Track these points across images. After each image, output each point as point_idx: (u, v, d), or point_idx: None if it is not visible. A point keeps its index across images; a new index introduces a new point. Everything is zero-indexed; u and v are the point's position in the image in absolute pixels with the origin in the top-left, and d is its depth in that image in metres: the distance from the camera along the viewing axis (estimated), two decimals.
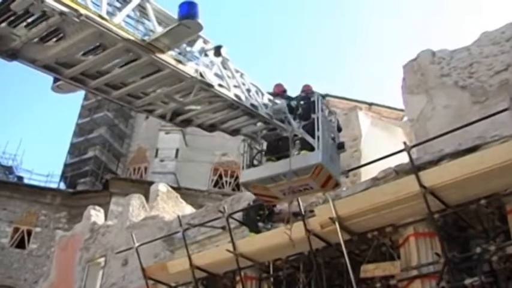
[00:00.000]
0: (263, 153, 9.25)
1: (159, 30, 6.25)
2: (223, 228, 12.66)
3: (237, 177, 35.18)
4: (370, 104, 28.57)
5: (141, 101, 7.22)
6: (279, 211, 11.86)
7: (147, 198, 20.36)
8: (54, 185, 37.24)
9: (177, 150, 34.25)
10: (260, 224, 11.73)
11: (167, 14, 6.57)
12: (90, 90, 6.83)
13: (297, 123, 8.75)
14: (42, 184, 36.77)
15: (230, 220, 11.53)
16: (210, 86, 6.99)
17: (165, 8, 6.57)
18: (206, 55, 7.15)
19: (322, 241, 9.95)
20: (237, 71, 7.74)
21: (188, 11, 6.01)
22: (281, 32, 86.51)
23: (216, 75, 7.26)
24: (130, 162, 38.55)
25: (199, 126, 8.16)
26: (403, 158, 9.49)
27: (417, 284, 9.02)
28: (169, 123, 8.00)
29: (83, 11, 5.44)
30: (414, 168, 8.85)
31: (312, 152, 8.56)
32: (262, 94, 8.35)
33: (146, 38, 6.20)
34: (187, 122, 8.01)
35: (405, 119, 19.24)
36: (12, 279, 31.67)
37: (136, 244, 13.03)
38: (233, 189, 32.83)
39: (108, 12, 5.86)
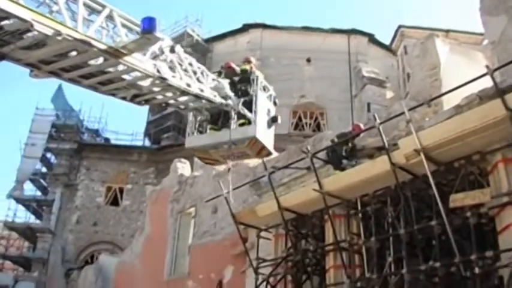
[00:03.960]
0: (207, 122, 10.56)
1: (124, 33, 7.70)
2: (307, 168, 12.71)
3: (316, 118, 35.08)
4: (447, 31, 27.64)
5: (107, 87, 8.46)
6: (363, 147, 11.84)
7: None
8: (139, 143, 38.53)
9: None
10: (344, 161, 11.74)
11: (130, 18, 7.96)
12: (64, 80, 8.09)
13: (237, 99, 10.18)
14: (128, 143, 38.13)
15: (314, 160, 11.51)
16: (165, 79, 8.43)
17: (127, 14, 7.98)
18: (162, 52, 8.46)
19: (408, 173, 9.84)
20: (186, 58, 9.15)
21: (149, 26, 7.37)
22: None
23: (170, 67, 8.67)
24: None
25: (155, 105, 9.94)
26: (486, 83, 9.21)
27: (509, 211, 8.80)
28: (130, 102, 9.24)
29: (64, 30, 6.64)
30: (499, 92, 8.54)
31: (249, 126, 10.12)
32: (207, 75, 9.78)
33: (113, 44, 7.51)
34: (145, 102, 9.38)
35: (485, 42, 18.50)
36: (110, 235, 33.40)
37: (225, 191, 13.37)
38: (313, 130, 32.77)
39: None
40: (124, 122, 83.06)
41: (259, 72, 11.06)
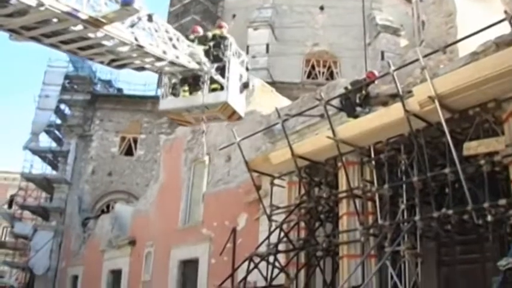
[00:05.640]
0: (180, 85, 10.95)
1: (104, 2, 7.83)
2: (321, 116, 12.70)
3: (329, 67, 34.79)
4: None
5: (86, 52, 8.79)
6: (377, 94, 11.77)
7: None
8: (152, 93, 38.44)
9: (268, 45, 33.91)
10: (358, 109, 11.71)
11: None
12: (44, 45, 8.26)
13: (211, 65, 10.54)
14: (141, 93, 38.10)
15: (328, 107, 11.51)
16: (143, 46, 8.80)
17: None
18: (140, 19, 8.75)
19: (422, 121, 9.82)
20: (163, 25, 9.51)
21: None
22: None
23: (147, 35, 9.01)
24: None
25: (133, 68, 10.02)
26: (504, 30, 9.05)
27: None
28: (106, 66, 9.63)
29: (46, 1, 6.79)
30: None
31: (221, 91, 10.55)
32: (183, 41, 10.13)
33: (93, 13, 7.71)
34: (122, 66, 9.70)
35: None
36: (125, 185, 33.82)
37: (238, 139, 13.39)
38: (327, 79, 32.51)
39: None
40: (136, 72, 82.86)
41: (232, 37, 11.38)
